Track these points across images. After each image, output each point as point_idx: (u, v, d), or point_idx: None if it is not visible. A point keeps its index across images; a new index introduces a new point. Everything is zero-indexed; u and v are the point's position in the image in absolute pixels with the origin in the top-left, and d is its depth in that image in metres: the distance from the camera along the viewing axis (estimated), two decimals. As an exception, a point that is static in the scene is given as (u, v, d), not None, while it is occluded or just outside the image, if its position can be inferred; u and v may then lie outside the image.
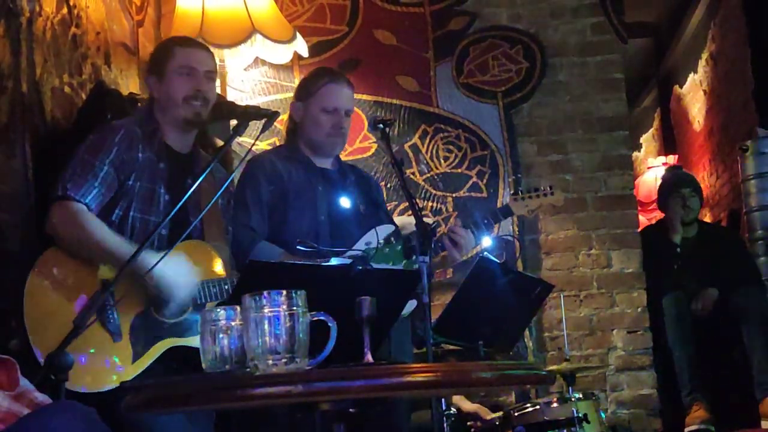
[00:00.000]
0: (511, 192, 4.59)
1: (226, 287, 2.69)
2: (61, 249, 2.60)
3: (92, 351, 2.53)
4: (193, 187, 2.53)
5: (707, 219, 6.38)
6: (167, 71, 2.84)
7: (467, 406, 3.65)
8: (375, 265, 2.67)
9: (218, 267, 2.81)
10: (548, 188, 3.37)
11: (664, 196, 4.99)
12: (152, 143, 2.80)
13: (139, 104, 3.31)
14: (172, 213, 2.52)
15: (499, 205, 4.60)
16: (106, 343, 2.56)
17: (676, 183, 5.04)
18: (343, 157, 3.46)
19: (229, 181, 2.93)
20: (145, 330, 2.63)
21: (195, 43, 2.96)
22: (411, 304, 2.98)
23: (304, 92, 3.32)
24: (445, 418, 3.08)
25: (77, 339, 2.34)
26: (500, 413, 3.45)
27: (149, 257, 2.53)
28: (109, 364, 2.56)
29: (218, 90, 3.97)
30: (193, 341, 2.63)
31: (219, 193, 2.70)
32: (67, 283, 2.57)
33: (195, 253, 2.76)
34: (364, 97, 4.68)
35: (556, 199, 3.38)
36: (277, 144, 4.44)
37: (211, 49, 3.12)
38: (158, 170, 2.79)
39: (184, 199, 2.54)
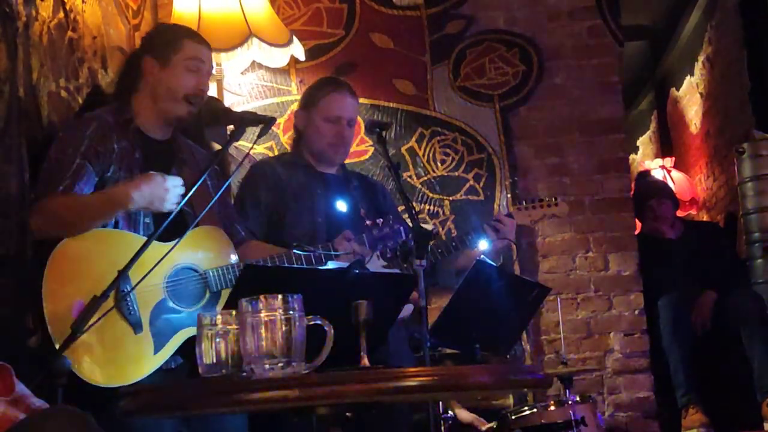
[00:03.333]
0: (508, 194, 4.61)
1: None
2: (72, 240, 2.55)
3: (114, 344, 2.50)
4: (196, 186, 2.54)
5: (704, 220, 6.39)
6: (174, 61, 2.79)
7: (464, 416, 3.63)
8: (371, 269, 2.69)
9: (232, 253, 2.79)
10: (553, 199, 3.37)
11: (636, 211, 5.03)
12: (126, 132, 2.75)
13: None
14: (179, 206, 2.54)
15: (495, 207, 4.61)
16: (127, 335, 2.53)
17: (642, 197, 5.11)
18: (339, 161, 3.47)
19: (227, 184, 2.92)
20: (165, 320, 2.60)
21: (201, 37, 2.93)
22: (408, 308, 2.99)
23: (307, 101, 3.37)
24: (442, 422, 3.07)
25: (98, 331, 2.35)
26: (493, 424, 3.44)
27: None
28: (132, 357, 2.54)
29: (214, 94, 3.99)
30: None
31: (217, 195, 2.70)
32: (82, 276, 2.52)
33: (209, 240, 2.75)
34: (361, 100, 4.62)
35: (561, 210, 3.38)
36: (274, 148, 4.49)
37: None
38: (134, 160, 2.75)
39: (188, 196, 2.55)
